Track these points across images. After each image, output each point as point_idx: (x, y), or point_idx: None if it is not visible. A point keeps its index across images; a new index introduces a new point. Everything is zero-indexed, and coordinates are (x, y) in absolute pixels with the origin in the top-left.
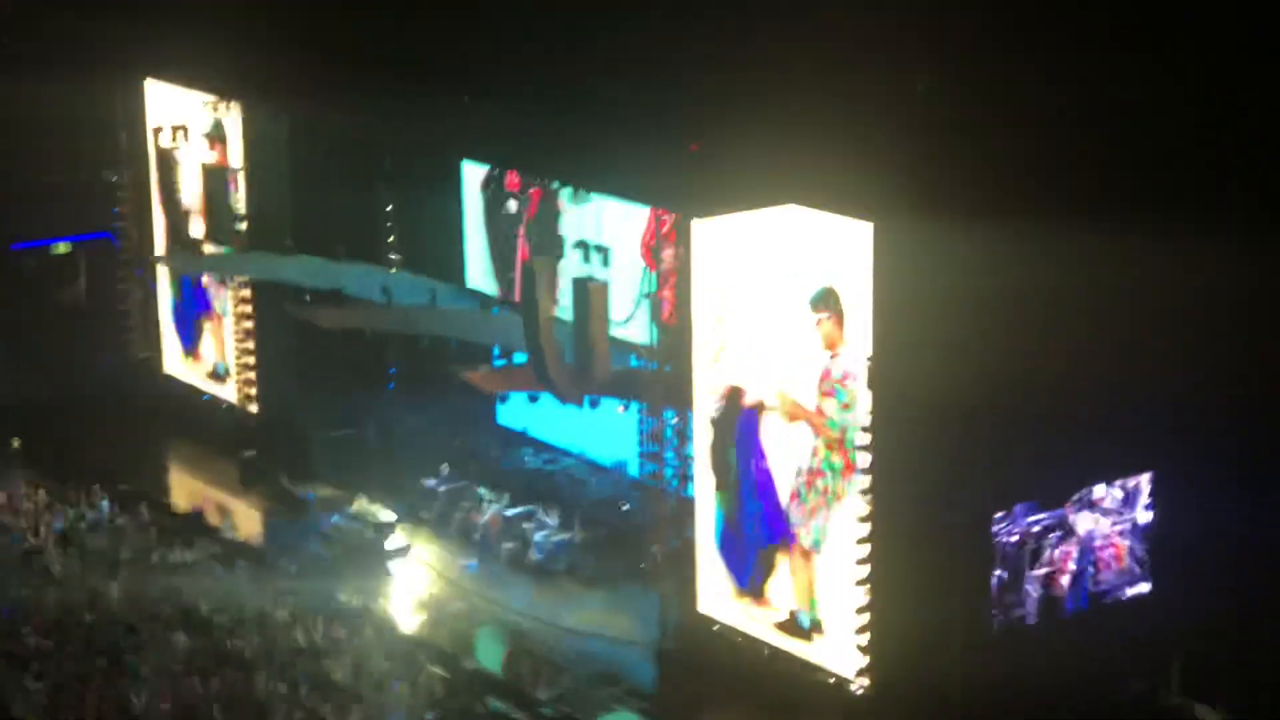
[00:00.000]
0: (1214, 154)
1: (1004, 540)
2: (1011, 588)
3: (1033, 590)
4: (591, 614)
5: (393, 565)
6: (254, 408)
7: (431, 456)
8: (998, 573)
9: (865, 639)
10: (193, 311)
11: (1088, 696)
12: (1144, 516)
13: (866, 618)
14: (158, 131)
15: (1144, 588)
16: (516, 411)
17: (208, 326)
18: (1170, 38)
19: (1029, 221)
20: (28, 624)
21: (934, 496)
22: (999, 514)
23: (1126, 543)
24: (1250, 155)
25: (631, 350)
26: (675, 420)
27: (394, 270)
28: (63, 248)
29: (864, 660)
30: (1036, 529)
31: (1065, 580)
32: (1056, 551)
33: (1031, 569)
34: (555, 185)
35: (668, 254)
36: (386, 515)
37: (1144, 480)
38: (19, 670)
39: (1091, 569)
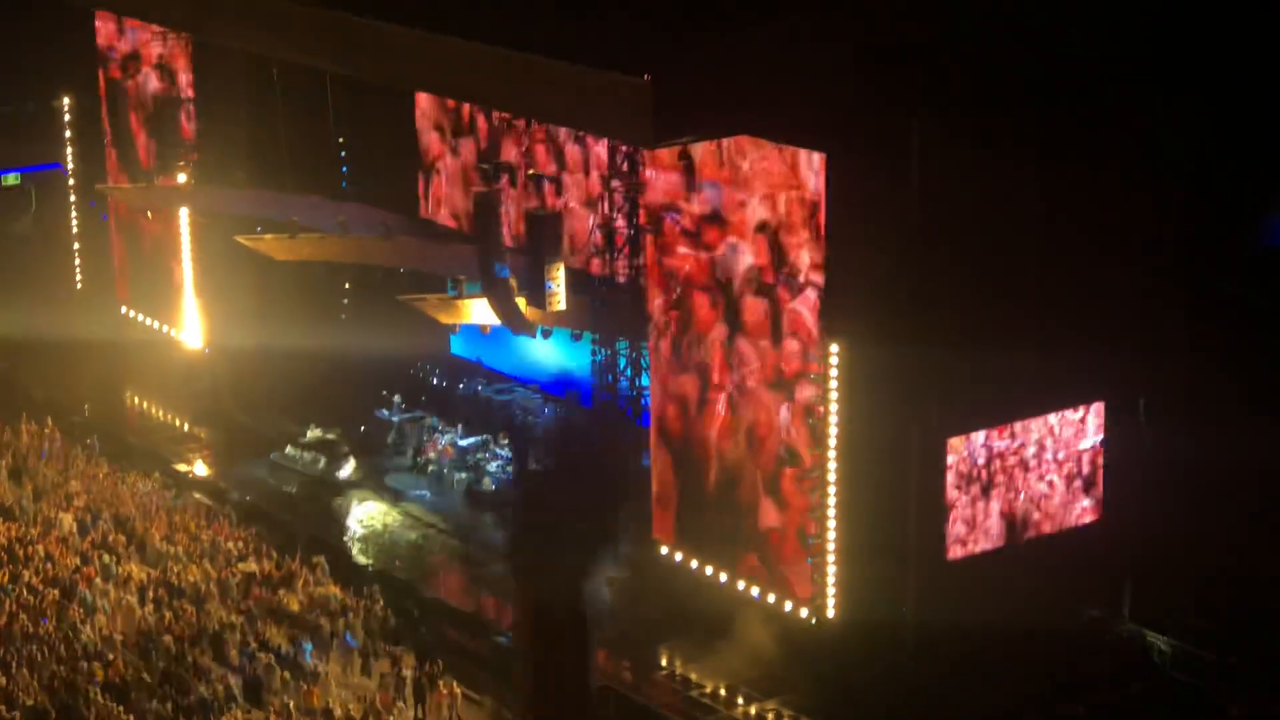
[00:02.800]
0: (1163, 89)
1: (972, 461)
2: (978, 502)
3: (996, 505)
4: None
5: (346, 495)
6: (205, 339)
7: (384, 387)
8: (964, 492)
9: (821, 570)
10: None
11: (1042, 624)
12: (1094, 442)
13: (822, 549)
14: (108, 62)
15: (1092, 510)
16: (469, 342)
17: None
18: None
19: (983, 154)
20: None
21: (887, 425)
22: (964, 438)
23: (1077, 465)
24: (1199, 84)
25: (586, 281)
26: (629, 350)
27: (347, 201)
28: (12, 179)
29: (819, 591)
30: (999, 451)
31: (1023, 497)
32: (1015, 471)
33: (993, 486)
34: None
35: (620, 185)
36: (339, 445)
37: (1094, 408)
38: None
39: (1045, 488)
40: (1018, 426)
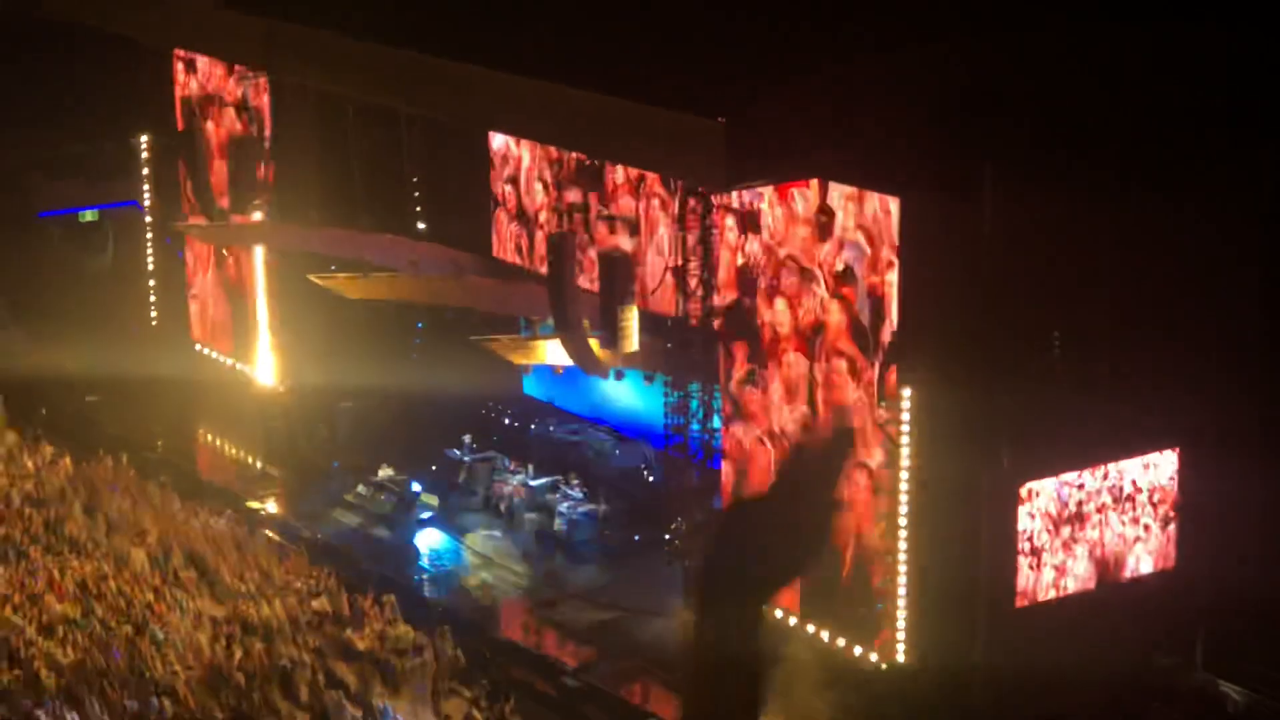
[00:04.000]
0: (1242, 131)
1: (1062, 503)
2: (1068, 545)
3: (1082, 549)
4: (616, 586)
5: (417, 534)
6: (279, 378)
7: (456, 427)
8: (1055, 534)
9: (891, 615)
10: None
11: (1112, 672)
12: (1170, 489)
13: (893, 593)
14: (185, 101)
15: (1166, 556)
16: (542, 382)
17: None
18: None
19: (1058, 198)
20: (52, 590)
21: (958, 470)
22: (1056, 477)
23: (1154, 513)
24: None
25: (659, 322)
26: (700, 393)
27: (420, 241)
28: (90, 215)
29: (889, 636)
30: (1090, 492)
31: (1108, 542)
32: (1104, 514)
33: (1081, 530)
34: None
35: (694, 226)
36: (412, 484)
37: (1170, 454)
38: (46, 637)
39: (1133, 532)
40: (1111, 467)
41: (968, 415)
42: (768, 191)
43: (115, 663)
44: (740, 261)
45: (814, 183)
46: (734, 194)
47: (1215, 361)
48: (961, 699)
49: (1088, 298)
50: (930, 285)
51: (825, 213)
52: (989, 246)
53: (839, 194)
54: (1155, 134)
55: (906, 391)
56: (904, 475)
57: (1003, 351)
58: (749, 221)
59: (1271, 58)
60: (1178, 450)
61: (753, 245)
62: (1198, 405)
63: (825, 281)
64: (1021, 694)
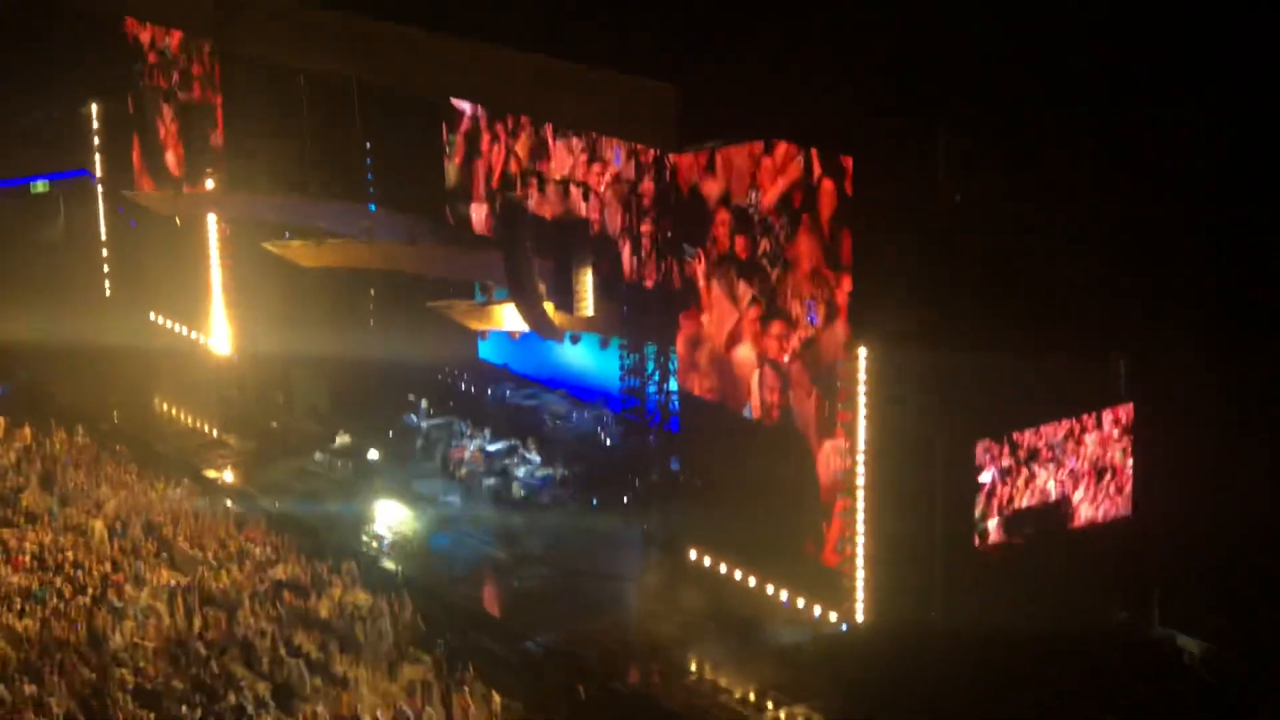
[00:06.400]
0: (1192, 91)
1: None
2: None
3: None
4: (574, 550)
5: (375, 501)
6: (234, 346)
7: (412, 393)
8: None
9: (850, 575)
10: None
11: (1070, 626)
12: (1123, 444)
13: (849, 551)
14: (136, 70)
15: (1122, 509)
16: (498, 347)
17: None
18: None
19: (1011, 159)
20: (9, 563)
21: (914, 429)
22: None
23: (1106, 467)
24: (1228, 85)
25: (613, 286)
26: (657, 355)
27: (373, 207)
28: (41, 186)
29: (848, 595)
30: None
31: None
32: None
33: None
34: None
35: (647, 189)
36: (369, 451)
37: (1124, 410)
38: (4, 609)
39: (1074, 493)
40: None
41: (922, 374)
42: None
43: (73, 634)
44: None
45: None
46: None
47: (1170, 319)
48: (920, 656)
49: (1042, 258)
50: (883, 245)
51: None
52: (942, 206)
53: None
54: (1108, 95)
55: (862, 351)
56: (861, 435)
57: (956, 311)
58: None
59: (1224, 19)
60: (1133, 406)
61: None
62: (1153, 363)
63: None
64: (979, 651)
